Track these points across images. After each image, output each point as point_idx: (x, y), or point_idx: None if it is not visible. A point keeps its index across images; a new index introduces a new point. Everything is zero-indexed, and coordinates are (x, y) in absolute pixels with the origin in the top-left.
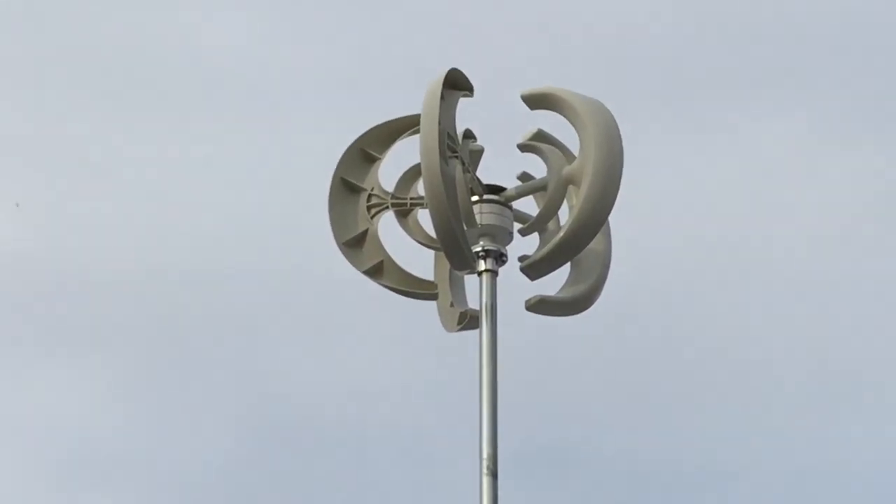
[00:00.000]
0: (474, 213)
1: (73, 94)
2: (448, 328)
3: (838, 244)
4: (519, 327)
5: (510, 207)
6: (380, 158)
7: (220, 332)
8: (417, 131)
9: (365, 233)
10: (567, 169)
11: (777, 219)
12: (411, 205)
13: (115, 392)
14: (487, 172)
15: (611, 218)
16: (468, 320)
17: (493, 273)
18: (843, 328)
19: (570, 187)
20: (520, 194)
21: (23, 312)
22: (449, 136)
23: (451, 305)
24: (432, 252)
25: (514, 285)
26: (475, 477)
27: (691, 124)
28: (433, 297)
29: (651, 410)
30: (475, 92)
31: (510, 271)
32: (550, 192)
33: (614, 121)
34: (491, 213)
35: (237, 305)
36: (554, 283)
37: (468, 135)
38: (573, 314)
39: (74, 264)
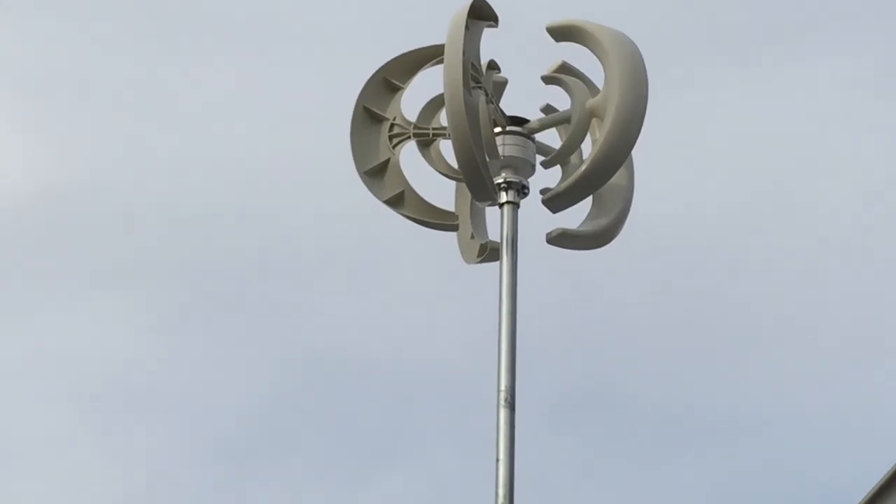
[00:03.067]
0: (497, 145)
1: (115, 33)
2: (468, 260)
3: (888, 194)
4: (539, 260)
5: (533, 139)
6: (403, 88)
7: (255, 270)
8: (441, 61)
9: (386, 162)
10: (591, 102)
11: (821, 163)
12: (433, 135)
13: (158, 327)
14: (511, 104)
15: (637, 153)
16: (488, 252)
17: (515, 205)
18: (885, 277)
19: (594, 120)
20: (543, 126)
21: (74, 248)
22: (473, 66)
23: (472, 237)
24: (454, 183)
25: (536, 218)
26: (493, 408)
27: (739, 66)
28: (454, 228)
29: (669, 347)
30: (500, 23)
31: (532, 203)
32: (574, 125)
33: (640, 54)
34: (514, 144)
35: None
36: (576, 216)
37: (492, 66)
38: (594, 248)
39: (126, 201)
